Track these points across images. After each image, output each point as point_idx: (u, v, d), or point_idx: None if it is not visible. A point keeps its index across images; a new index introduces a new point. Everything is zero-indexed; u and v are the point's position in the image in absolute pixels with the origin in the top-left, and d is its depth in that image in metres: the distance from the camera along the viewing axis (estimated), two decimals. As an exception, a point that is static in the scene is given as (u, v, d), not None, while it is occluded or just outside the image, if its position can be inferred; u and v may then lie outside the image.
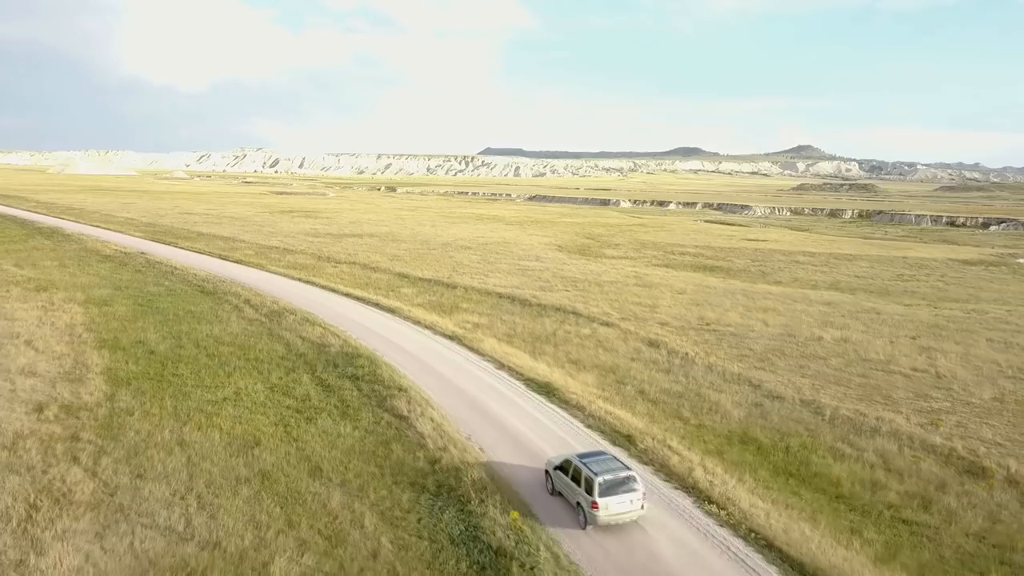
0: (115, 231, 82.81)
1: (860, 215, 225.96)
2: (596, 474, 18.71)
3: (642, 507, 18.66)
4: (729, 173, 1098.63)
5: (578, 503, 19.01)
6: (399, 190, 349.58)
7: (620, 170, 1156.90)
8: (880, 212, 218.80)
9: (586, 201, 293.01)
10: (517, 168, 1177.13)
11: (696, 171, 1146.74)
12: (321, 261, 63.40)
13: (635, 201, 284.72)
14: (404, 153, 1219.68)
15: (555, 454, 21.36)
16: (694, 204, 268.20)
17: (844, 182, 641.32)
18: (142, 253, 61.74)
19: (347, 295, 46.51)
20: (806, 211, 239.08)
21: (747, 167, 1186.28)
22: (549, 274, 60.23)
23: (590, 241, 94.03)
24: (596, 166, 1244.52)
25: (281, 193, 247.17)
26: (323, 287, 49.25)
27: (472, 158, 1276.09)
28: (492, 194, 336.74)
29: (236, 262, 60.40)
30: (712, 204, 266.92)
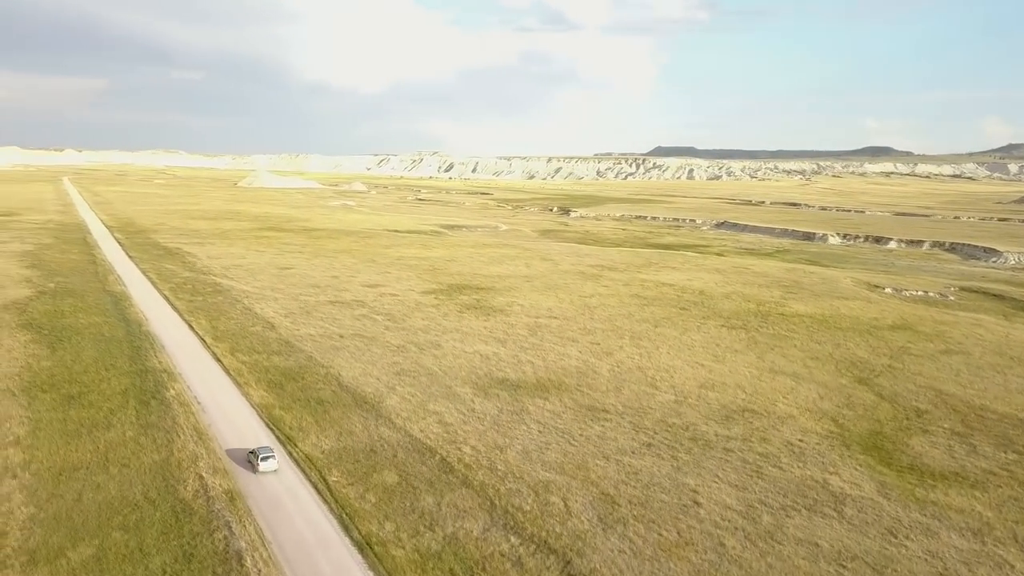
0: (233, 382, 63.60)
1: None
2: (259, 452, 45.44)
3: (277, 465, 45.31)
4: (927, 176, 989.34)
5: (255, 463, 45.14)
6: (572, 213, 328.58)
7: (802, 172, 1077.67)
8: None
9: (784, 232, 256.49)
10: (691, 170, 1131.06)
11: (888, 174, 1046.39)
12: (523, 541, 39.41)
13: (846, 236, 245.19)
14: (573, 156, 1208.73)
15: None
16: (920, 243, 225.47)
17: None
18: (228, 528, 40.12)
19: None
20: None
21: (947, 169, 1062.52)
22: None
23: (876, 399, 64.62)
24: (775, 168, 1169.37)
25: (452, 227, 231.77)
26: None
27: (643, 160, 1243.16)
28: (674, 220, 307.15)
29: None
30: (943, 243, 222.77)
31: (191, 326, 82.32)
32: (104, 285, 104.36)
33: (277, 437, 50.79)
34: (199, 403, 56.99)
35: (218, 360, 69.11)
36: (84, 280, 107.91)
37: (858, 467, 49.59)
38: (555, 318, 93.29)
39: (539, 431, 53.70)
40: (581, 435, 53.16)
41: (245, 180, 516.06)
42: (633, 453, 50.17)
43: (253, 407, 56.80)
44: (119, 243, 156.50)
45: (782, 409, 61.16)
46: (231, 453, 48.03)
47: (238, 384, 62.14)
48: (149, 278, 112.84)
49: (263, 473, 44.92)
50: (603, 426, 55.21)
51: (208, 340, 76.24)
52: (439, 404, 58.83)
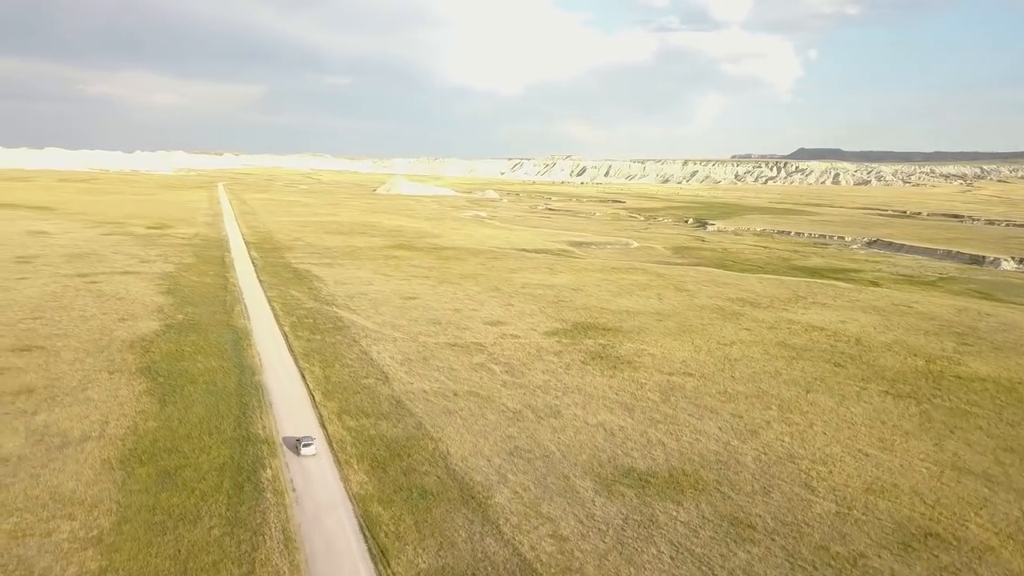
0: (334, 460, 58.79)
1: None
2: (302, 439, 57.79)
3: (316, 450, 57.36)
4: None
5: (298, 448, 56.97)
6: (709, 227, 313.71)
7: (963, 177, 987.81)
8: None
9: (947, 254, 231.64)
10: (836, 175, 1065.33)
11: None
12: None
13: (1022, 261, 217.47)
14: (710, 159, 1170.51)
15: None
16: None
17: None
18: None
19: None
20: None
21: None
22: None
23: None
24: (932, 171, 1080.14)
25: (580, 244, 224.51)
26: None
27: (785, 163, 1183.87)
28: (819, 236, 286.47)
29: None
30: None
31: (303, 375, 79.14)
32: (229, 318, 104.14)
33: (370, 549, 45.02)
34: (294, 490, 52.27)
35: (323, 426, 64.69)
36: (212, 311, 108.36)
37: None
38: (691, 375, 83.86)
39: (671, 557, 45.19)
40: (723, 567, 44.22)
41: (383, 187, 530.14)
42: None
43: (350, 498, 51.48)
44: (253, 263, 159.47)
45: (975, 533, 49.58)
46: (315, 571, 42.69)
47: (339, 462, 57.15)
48: (273, 308, 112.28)
49: (305, 455, 57.16)
50: (749, 552, 45.97)
51: (317, 396, 72.42)
52: (554, 505, 51.43)
